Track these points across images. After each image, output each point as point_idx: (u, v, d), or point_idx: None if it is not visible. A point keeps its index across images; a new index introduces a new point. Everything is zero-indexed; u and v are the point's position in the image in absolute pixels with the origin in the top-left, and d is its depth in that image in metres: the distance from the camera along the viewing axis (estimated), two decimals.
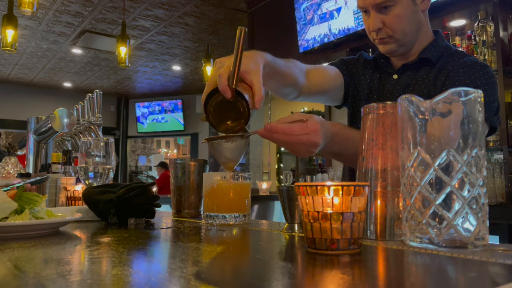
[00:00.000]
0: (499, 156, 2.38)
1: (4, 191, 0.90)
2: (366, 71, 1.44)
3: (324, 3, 3.38)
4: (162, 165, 8.12)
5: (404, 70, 1.34)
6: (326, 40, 3.38)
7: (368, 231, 0.74)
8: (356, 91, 1.44)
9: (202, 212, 1.27)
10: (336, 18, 3.28)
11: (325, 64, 1.52)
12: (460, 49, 2.62)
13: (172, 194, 1.25)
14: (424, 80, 1.29)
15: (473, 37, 2.52)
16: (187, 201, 1.23)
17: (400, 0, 1.24)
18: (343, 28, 3.22)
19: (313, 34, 3.49)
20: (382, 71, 1.40)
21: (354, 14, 3.12)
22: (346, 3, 3.19)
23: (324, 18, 3.38)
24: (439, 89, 1.23)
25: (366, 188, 0.61)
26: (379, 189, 0.74)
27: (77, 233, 0.91)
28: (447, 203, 0.60)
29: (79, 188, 1.47)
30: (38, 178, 1.59)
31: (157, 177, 10.12)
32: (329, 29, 3.34)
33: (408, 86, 1.31)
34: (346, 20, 3.19)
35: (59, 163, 1.90)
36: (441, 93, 0.61)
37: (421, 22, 1.29)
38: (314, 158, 7.57)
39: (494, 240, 2.12)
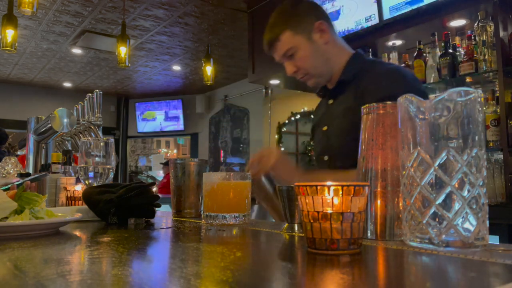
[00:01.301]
0: (499, 156, 2.38)
1: (4, 189, 0.90)
2: (317, 110, 1.70)
3: (323, 5, 3.39)
4: (168, 163, 7.94)
5: (333, 95, 1.52)
6: None
7: (368, 231, 0.74)
8: (315, 131, 1.64)
9: (202, 212, 1.27)
10: (336, 19, 3.28)
11: None
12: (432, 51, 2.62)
13: (172, 194, 1.25)
14: (347, 99, 1.43)
15: (473, 37, 2.52)
16: (187, 201, 1.23)
17: (299, 45, 1.44)
18: (343, 30, 3.22)
19: None
20: (323, 101, 1.62)
21: (353, 15, 3.12)
22: (342, 6, 3.20)
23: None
24: (359, 104, 1.30)
25: (366, 188, 0.61)
26: (379, 189, 0.74)
27: (77, 233, 0.91)
28: (447, 203, 0.60)
29: (79, 188, 1.47)
30: (36, 175, 1.59)
31: (157, 177, 10.12)
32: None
33: (338, 107, 1.47)
34: (346, 21, 3.19)
35: (59, 163, 1.90)
36: (441, 93, 0.61)
37: (328, 53, 1.47)
38: (314, 158, 7.57)
39: (494, 240, 2.12)
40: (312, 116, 8.36)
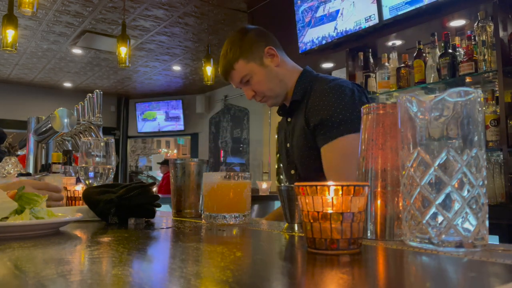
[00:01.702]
0: (499, 156, 2.38)
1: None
2: (281, 123, 1.75)
3: (322, 6, 3.39)
4: (166, 162, 7.80)
5: (290, 113, 1.60)
6: (325, 40, 3.38)
7: (368, 231, 0.74)
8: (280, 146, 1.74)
9: (202, 212, 1.27)
10: (334, 20, 3.28)
11: None
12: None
13: (172, 194, 1.25)
14: (299, 118, 1.51)
15: (472, 37, 2.52)
16: (187, 201, 1.23)
17: (253, 71, 1.53)
18: (342, 30, 3.22)
19: (312, 35, 3.50)
20: (284, 119, 1.68)
21: (353, 15, 3.12)
22: (343, 9, 3.20)
23: (322, 20, 3.38)
24: (307, 124, 1.46)
25: (366, 188, 0.61)
26: (379, 189, 0.74)
27: (77, 233, 0.91)
28: (447, 203, 0.60)
29: (79, 188, 1.47)
30: (36, 176, 1.59)
31: (157, 177, 10.11)
32: (328, 31, 3.34)
33: (295, 125, 1.56)
34: (345, 22, 3.19)
35: (59, 163, 1.90)
36: (441, 93, 0.61)
37: (280, 74, 1.55)
38: None
39: (494, 240, 2.12)
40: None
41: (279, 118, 1.74)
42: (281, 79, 1.55)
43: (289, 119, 1.61)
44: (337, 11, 3.27)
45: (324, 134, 1.40)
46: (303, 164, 1.53)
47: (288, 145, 1.62)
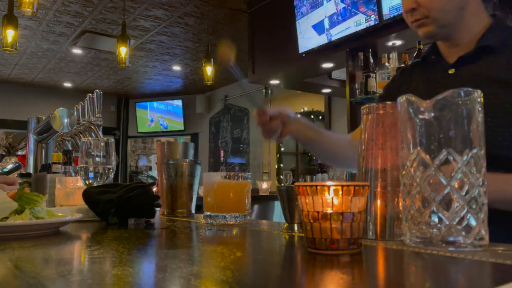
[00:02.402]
0: None
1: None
2: (413, 78, 1.29)
3: (322, 7, 3.39)
4: None
5: (461, 63, 1.16)
6: (325, 40, 3.38)
7: (368, 231, 0.74)
8: None
9: (193, 212, 1.29)
10: (334, 20, 3.28)
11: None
12: None
13: (165, 193, 1.27)
14: (493, 69, 1.10)
15: None
16: (179, 201, 1.25)
17: None
18: (342, 30, 3.22)
19: (312, 35, 3.50)
20: (434, 69, 1.23)
21: (352, 16, 3.12)
22: (342, 9, 3.19)
23: (322, 22, 3.38)
24: None
25: (366, 188, 0.61)
26: (379, 189, 0.74)
27: (77, 233, 0.91)
28: (447, 203, 0.60)
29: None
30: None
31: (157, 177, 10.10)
32: (328, 31, 3.34)
33: (471, 79, 1.12)
34: (345, 22, 3.19)
35: (59, 163, 1.90)
36: (441, 93, 0.61)
37: (465, 3, 1.13)
38: (314, 158, 7.57)
39: None
40: (312, 116, 8.19)
41: None
42: (463, 7, 1.14)
43: (451, 71, 1.18)
44: (336, 13, 3.27)
45: None
46: (497, 135, 1.06)
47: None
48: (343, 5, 3.21)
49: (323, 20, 3.39)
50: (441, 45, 1.24)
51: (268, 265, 0.57)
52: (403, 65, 2.89)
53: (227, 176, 1.04)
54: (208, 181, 1.05)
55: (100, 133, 2.10)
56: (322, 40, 3.42)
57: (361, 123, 0.79)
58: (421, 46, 2.80)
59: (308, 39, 3.55)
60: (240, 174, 1.05)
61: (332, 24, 3.30)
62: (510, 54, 1.10)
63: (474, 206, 0.60)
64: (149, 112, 8.90)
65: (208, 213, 1.04)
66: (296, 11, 3.65)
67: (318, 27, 3.45)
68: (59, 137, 2.32)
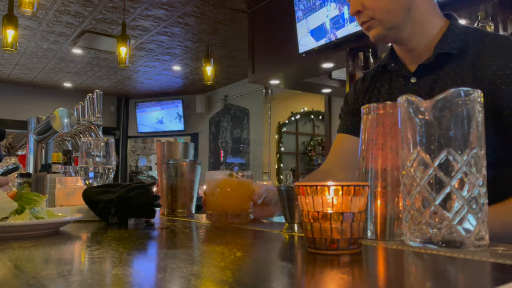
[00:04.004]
0: None
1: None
2: (376, 87, 1.27)
3: (321, 9, 3.39)
4: None
5: (422, 71, 1.13)
6: (325, 41, 3.38)
7: (368, 231, 0.74)
8: None
9: (193, 212, 1.29)
10: (334, 21, 3.28)
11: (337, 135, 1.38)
12: None
13: (165, 193, 1.27)
14: (457, 77, 1.07)
15: None
16: (179, 201, 1.25)
17: None
18: (342, 30, 3.22)
19: (312, 35, 3.50)
20: (396, 77, 1.21)
21: (354, 20, 3.12)
22: (342, 10, 3.20)
23: (321, 26, 3.39)
24: (493, 89, 1.01)
25: (366, 188, 0.61)
26: (379, 189, 0.74)
27: (77, 233, 0.91)
28: (447, 203, 0.60)
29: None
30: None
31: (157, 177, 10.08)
32: (328, 31, 3.34)
33: (434, 89, 1.09)
34: (345, 22, 3.19)
35: (59, 163, 1.90)
36: (441, 93, 0.61)
37: (413, 2, 1.10)
38: (314, 158, 7.58)
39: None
40: (312, 116, 8.18)
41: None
42: (411, 9, 1.10)
43: (413, 79, 1.15)
44: (336, 14, 3.27)
45: None
46: None
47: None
48: (345, 8, 3.21)
49: (322, 24, 3.38)
50: (398, 50, 1.21)
51: (268, 265, 0.57)
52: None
53: (230, 175, 1.04)
54: (211, 180, 1.04)
55: (100, 133, 2.10)
56: (322, 40, 3.42)
57: (361, 123, 0.79)
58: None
59: (308, 38, 3.56)
60: (243, 173, 1.05)
61: (333, 29, 3.30)
62: (474, 59, 1.06)
63: (474, 206, 0.60)
64: (149, 112, 8.90)
65: (211, 212, 1.04)
66: (295, 13, 3.65)
67: (316, 32, 3.45)
68: (59, 137, 2.32)
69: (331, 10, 3.32)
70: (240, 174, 1.05)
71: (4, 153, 2.59)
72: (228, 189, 1.03)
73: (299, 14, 3.60)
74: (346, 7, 3.19)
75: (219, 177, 1.04)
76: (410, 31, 1.13)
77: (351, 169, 1.16)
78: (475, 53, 1.07)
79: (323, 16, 3.37)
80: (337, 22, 3.26)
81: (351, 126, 1.31)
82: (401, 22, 1.11)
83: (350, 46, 3.26)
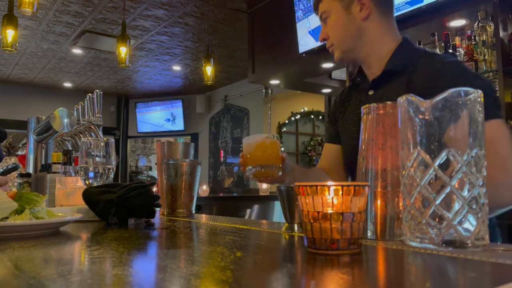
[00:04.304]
0: None
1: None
2: (349, 100, 1.48)
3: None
4: None
5: (375, 85, 1.33)
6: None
7: (368, 231, 0.74)
8: (346, 124, 1.46)
9: (193, 212, 1.29)
10: None
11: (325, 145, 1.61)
12: (451, 51, 2.61)
13: (165, 193, 1.27)
14: (396, 91, 1.21)
15: (473, 37, 2.52)
16: (179, 201, 1.25)
17: (333, 10, 1.35)
18: None
19: (312, 35, 3.49)
20: (360, 90, 1.42)
21: None
22: None
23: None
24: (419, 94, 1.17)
25: (366, 188, 0.61)
26: (379, 189, 0.74)
27: (77, 233, 0.91)
28: (447, 203, 0.60)
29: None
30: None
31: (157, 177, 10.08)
32: None
33: (381, 99, 1.22)
34: None
35: (59, 163, 1.90)
36: (441, 93, 0.61)
37: (363, 30, 1.32)
38: (314, 158, 7.58)
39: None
40: (312, 116, 8.23)
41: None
42: (361, 35, 1.33)
43: (370, 92, 1.35)
44: None
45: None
46: None
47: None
48: None
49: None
50: (362, 67, 1.42)
51: (268, 265, 0.57)
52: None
53: (263, 137, 1.22)
54: (250, 141, 1.23)
55: (100, 133, 2.10)
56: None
57: (361, 123, 0.79)
58: (422, 46, 2.80)
59: (308, 38, 3.55)
60: (273, 135, 1.23)
61: None
62: (410, 75, 1.25)
63: (474, 206, 0.60)
64: (149, 112, 8.90)
65: (249, 167, 1.20)
66: (295, 13, 3.65)
67: (316, 32, 3.44)
68: (59, 137, 2.31)
69: None
70: (272, 136, 1.24)
71: (4, 153, 2.59)
72: (267, 145, 1.21)
73: (299, 14, 3.60)
74: None
75: (259, 138, 1.22)
76: (364, 53, 1.35)
77: (336, 173, 1.48)
78: (412, 70, 1.26)
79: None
80: None
81: (333, 136, 1.53)
82: (354, 46, 1.35)
83: None
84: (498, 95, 1.24)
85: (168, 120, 8.78)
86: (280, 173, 1.23)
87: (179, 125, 8.70)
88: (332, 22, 1.36)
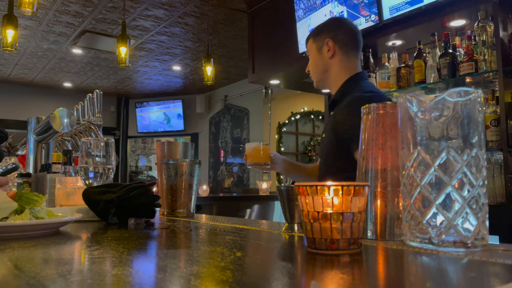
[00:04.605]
0: (499, 156, 2.37)
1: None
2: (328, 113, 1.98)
3: (321, 9, 3.39)
4: None
5: (331, 107, 1.79)
6: None
7: (368, 231, 0.74)
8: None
9: (193, 212, 1.29)
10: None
11: None
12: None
13: (165, 193, 1.27)
14: (334, 116, 1.69)
15: (473, 37, 2.52)
16: (179, 201, 1.25)
17: (311, 51, 1.81)
18: None
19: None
20: (330, 110, 1.86)
21: (352, 16, 3.12)
22: (343, 10, 3.20)
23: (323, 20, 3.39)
24: (333, 128, 1.67)
25: (366, 188, 0.61)
26: (379, 189, 0.74)
27: (77, 233, 0.91)
28: (447, 203, 0.60)
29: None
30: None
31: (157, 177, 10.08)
32: None
33: (331, 120, 1.72)
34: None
35: (59, 163, 1.90)
36: (441, 93, 0.61)
37: (329, 66, 1.76)
38: (314, 158, 7.58)
39: (494, 240, 2.12)
40: (312, 116, 8.37)
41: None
42: (327, 71, 1.77)
43: (332, 112, 1.77)
44: (337, 14, 3.27)
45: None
46: (325, 159, 1.74)
47: (324, 135, 1.80)
48: (344, 8, 3.21)
49: (323, 19, 3.38)
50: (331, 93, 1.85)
51: (268, 265, 0.57)
52: (403, 65, 2.90)
53: (259, 144, 1.80)
54: (250, 145, 1.82)
55: (100, 133, 2.10)
56: None
57: (361, 123, 0.79)
58: (422, 46, 2.80)
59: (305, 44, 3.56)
60: (266, 143, 1.81)
61: None
62: (336, 107, 1.72)
63: (474, 206, 0.60)
64: (149, 112, 8.89)
65: (253, 163, 1.80)
66: (295, 13, 3.65)
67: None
68: (59, 137, 2.31)
69: (333, 9, 3.32)
70: (265, 143, 1.81)
71: (5, 153, 2.59)
72: (260, 149, 1.79)
73: (299, 13, 3.59)
74: (345, 7, 3.19)
75: (255, 145, 1.80)
76: (329, 83, 1.81)
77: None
78: (339, 103, 1.72)
79: (322, 15, 3.37)
80: None
81: None
82: (323, 78, 1.81)
83: None
84: None
85: (168, 120, 8.78)
86: (269, 166, 1.82)
87: (179, 125, 8.70)
88: (310, 59, 1.82)
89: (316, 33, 1.79)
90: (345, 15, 3.19)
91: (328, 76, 1.77)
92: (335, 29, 1.76)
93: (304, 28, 3.58)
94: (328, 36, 1.75)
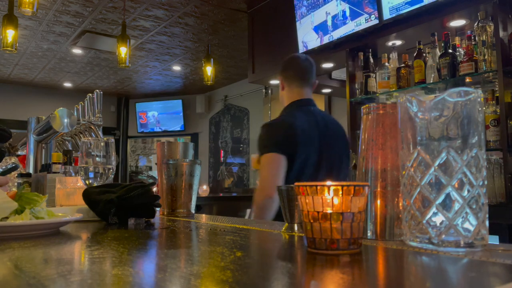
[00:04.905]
0: (499, 156, 2.38)
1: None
2: None
3: (322, 8, 3.38)
4: None
5: None
6: (325, 40, 3.38)
7: (368, 231, 0.74)
8: None
9: (193, 212, 1.29)
10: (334, 21, 3.28)
11: None
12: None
13: (165, 193, 1.27)
14: None
15: (473, 37, 2.52)
16: (179, 201, 1.25)
17: (280, 84, 2.25)
18: (342, 30, 3.22)
19: (312, 35, 3.49)
20: None
21: (352, 17, 3.12)
22: (343, 10, 3.19)
23: (324, 22, 3.38)
24: None
25: (366, 188, 0.61)
26: (379, 189, 0.74)
27: (77, 233, 0.91)
28: (447, 203, 0.60)
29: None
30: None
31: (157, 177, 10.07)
32: (328, 31, 3.34)
33: None
34: (345, 23, 3.19)
35: (59, 163, 1.90)
36: (441, 93, 0.61)
37: (282, 96, 2.24)
38: None
39: (494, 240, 2.12)
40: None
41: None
42: (282, 100, 2.26)
43: None
44: (337, 13, 3.27)
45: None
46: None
47: None
48: (347, 5, 3.21)
49: (325, 21, 3.38)
50: None
51: (268, 265, 0.57)
52: (403, 65, 2.90)
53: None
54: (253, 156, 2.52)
55: (100, 133, 2.10)
56: (322, 40, 3.42)
57: (361, 123, 0.79)
58: (422, 46, 2.80)
59: (308, 41, 3.55)
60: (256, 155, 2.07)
61: (335, 25, 3.30)
62: None
63: (474, 206, 0.60)
64: (149, 112, 8.89)
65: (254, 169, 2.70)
66: (295, 11, 3.65)
67: (320, 28, 3.45)
68: (59, 137, 2.32)
69: (334, 7, 3.32)
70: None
71: (5, 153, 2.58)
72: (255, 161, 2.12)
73: (302, 10, 3.59)
74: (347, 5, 3.19)
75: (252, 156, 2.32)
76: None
77: None
78: None
79: (323, 14, 3.37)
80: (338, 21, 3.26)
81: None
82: (283, 105, 2.23)
83: (350, 46, 3.26)
84: (267, 137, 2.06)
85: (168, 120, 8.78)
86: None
87: (179, 125, 8.70)
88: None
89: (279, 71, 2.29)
90: (348, 13, 3.19)
91: (283, 103, 2.25)
92: (283, 68, 2.25)
93: (307, 25, 3.57)
94: (280, 74, 2.25)
